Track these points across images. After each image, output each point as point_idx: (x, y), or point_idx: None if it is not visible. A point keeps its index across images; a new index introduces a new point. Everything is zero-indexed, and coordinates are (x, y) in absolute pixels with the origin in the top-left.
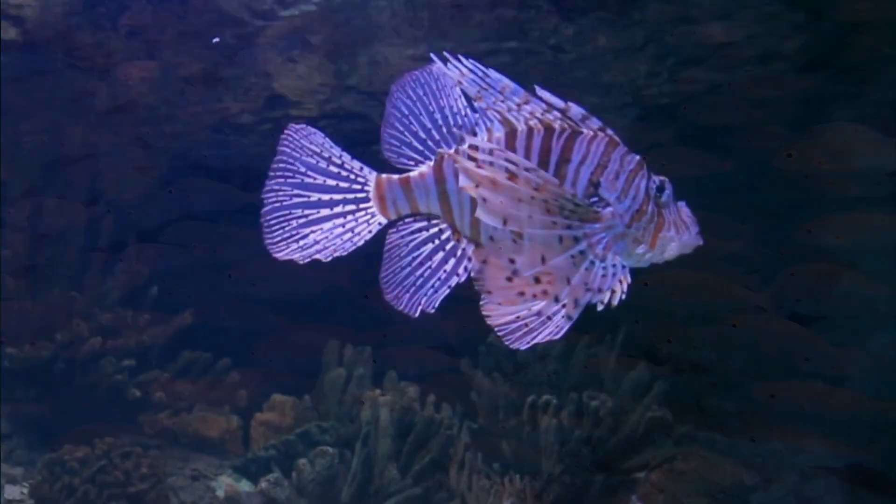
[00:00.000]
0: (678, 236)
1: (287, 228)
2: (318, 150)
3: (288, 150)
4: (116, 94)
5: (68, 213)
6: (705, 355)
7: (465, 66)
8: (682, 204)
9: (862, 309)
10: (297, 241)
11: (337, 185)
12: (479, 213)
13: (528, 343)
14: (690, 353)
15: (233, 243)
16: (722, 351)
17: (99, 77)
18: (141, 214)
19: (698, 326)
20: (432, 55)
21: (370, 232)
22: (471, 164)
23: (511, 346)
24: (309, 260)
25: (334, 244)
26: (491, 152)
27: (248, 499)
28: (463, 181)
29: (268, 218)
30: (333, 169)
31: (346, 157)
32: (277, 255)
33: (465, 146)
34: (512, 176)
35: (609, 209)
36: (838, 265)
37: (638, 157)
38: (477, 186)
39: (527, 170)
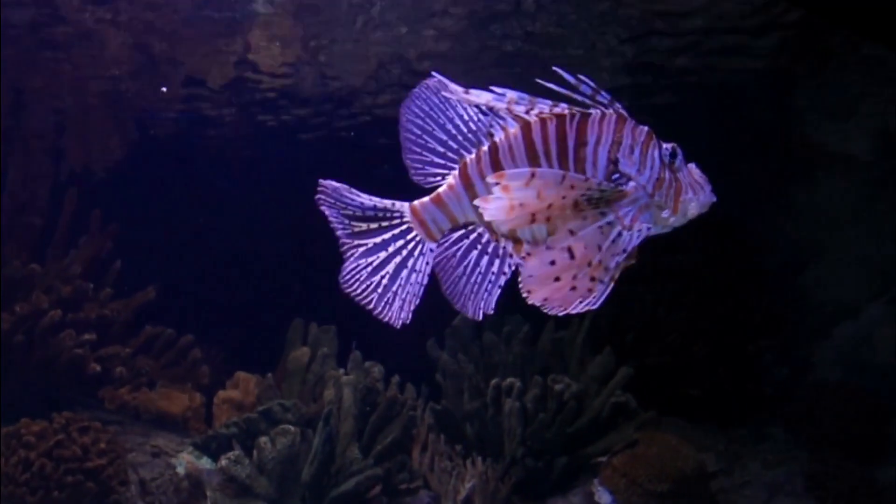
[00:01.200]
0: (696, 197)
1: (363, 282)
2: (347, 204)
3: (329, 208)
4: (82, 64)
5: (31, 184)
6: (670, 342)
7: (467, 90)
8: (692, 166)
9: (828, 297)
10: (376, 292)
11: (379, 226)
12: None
13: (566, 311)
14: (656, 339)
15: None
16: (688, 337)
17: (66, 44)
18: (108, 187)
19: (664, 312)
20: (433, 73)
21: (427, 263)
22: (491, 201)
23: (551, 314)
24: (401, 322)
25: (407, 291)
26: (522, 179)
27: (208, 476)
28: (489, 216)
29: (347, 280)
30: (370, 215)
31: (376, 199)
32: (382, 317)
33: (485, 148)
34: (542, 191)
35: (632, 183)
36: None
37: (647, 129)
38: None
39: (559, 178)
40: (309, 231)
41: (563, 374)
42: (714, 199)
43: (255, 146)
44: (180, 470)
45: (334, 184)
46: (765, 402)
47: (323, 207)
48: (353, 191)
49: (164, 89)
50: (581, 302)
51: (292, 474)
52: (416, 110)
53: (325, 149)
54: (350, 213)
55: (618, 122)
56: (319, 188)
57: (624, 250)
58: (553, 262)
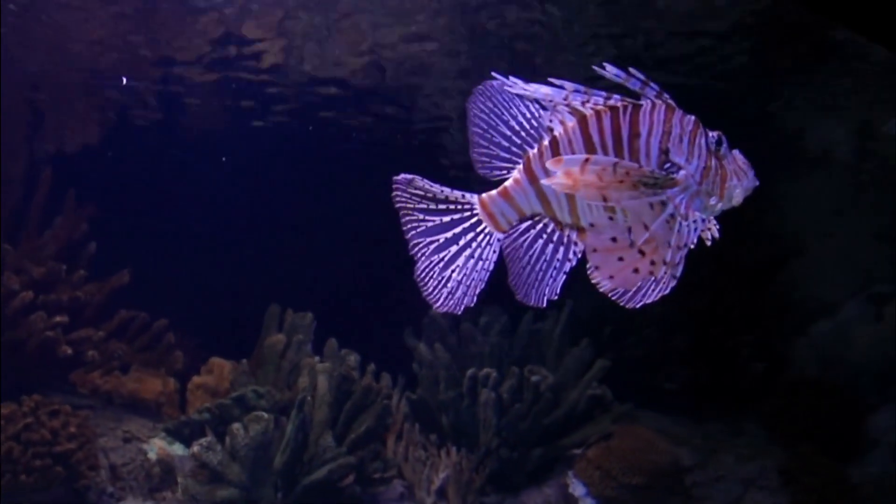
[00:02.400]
0: (740, 183)
1: (435, 277)
2: (423, 194)
3: (403, 203)
4: (59, 41)
5: (5, 164)
6: (648, 335)
7: (527, 86)
8: (736, 152)
9: (807, 294)
10: (445, 286)
11: (451, 220)
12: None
13: (640, 302)
14: (634, 332)
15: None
16: (664, 331)
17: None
18: (83, 168)
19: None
20: (493, 73)
21: (494, 252)
22: (556, 179)
23: (626, 306)
24: (461, 307)
25: (472, 278)
26: (577, 165)
27: (180, 462)
28: (551, 189)
29: (420, 274)
30: (443, 206)
31: (447, 190)
32: (439, 308)
33: (546, 143)
34: (600, 175)
35: (682, 172)
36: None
37: (693, 118)
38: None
39: (612, 165)
40: (286, 216)
41: (541, 365)
42: (757, 184)
43: (233, 131)
44: (152, 455)
45: (409, 176)
46: (741, 396)
47: (399, 203)
48: (427, 181)
49: (125, 80)
50: (646, 288)
51: (265, 461)
52: (482, 106)
53: (303, 134)
54: (424, 206)
55: (667, 112)
56: (395, 183)
57: (685, 244)
58: (614, 240)
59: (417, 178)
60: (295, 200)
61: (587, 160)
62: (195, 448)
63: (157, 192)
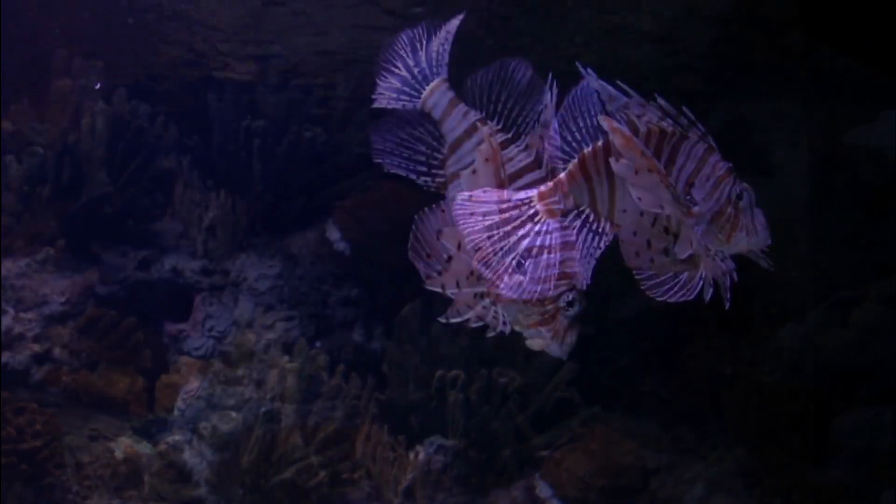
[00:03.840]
0: (747, 238)
1: (510, 276)
2: (495, 202)
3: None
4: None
5: None
6: (617, 337)
7: (600, 83)
8: (759, 211)
9: (773, 299)
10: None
11: (520, 222)
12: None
13: (662, 297)
14: (603, 334)
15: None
16: (637, 332)
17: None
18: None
19: (614, 308)
20: (578, 64)
21: (557, 241)
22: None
23: (653, 297)
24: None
25: (543, 269)
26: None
27: (147, 461)
28: (620, 169)
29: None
30: (505, 206)
31: (506, 190)
32: (510, 294)
33: (600, 144)
34: (650, 162)
35: (696, 207)
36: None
37: (728, 165)
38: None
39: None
40: (259, 212)
41: (509, 367)
42: (768, 243)
43: (204, 123)
44: (119, 454)
45: (481, 193)
46: (708, 400)
47: (473, 225)
48: (494, 191)
49: (98, 86)
50: (667, 286)
51: (232, 461)
52: (567, 105)
53: (275, 125)
54: (495, 219)
55: (706, 151)
56: (466, 203)
57: (724, 272)
58: (643, 214)
59: (487, 191)
60: (269, 196)
61: (625, 134)
62: (162, 447)
63: (127, 188)
